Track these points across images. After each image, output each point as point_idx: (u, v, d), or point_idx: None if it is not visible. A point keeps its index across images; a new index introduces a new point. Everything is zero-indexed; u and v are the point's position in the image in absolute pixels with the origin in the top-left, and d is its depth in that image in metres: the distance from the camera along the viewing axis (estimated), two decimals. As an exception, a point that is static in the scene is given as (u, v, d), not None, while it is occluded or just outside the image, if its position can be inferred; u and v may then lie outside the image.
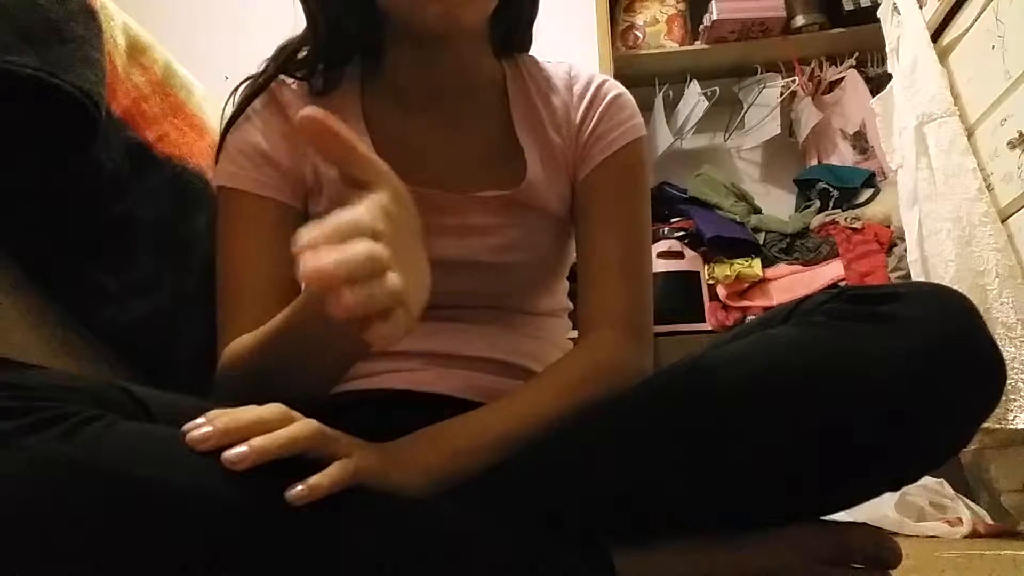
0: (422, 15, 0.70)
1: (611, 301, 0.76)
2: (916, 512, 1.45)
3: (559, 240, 0.83)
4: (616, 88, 0.84)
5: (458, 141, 0.80)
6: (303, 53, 0.80)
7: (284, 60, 0.80)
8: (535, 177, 0.79)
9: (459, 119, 0.81)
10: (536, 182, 0.79)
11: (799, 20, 2.25)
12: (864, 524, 0.63)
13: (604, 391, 0.67)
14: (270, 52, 0.81)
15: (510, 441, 0.64)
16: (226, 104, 0.81)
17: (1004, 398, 1.32)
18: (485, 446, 0.63)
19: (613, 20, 2.30)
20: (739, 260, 2.05)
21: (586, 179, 0.81)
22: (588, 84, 0.84)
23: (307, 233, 0.42)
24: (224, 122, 0.80)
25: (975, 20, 1.45)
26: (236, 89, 0.81)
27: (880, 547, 0.61)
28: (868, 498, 0.62)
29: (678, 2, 2.37)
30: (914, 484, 1.11)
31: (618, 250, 0.77)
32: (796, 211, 2.28)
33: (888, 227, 1.99)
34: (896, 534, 1.33)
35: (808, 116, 2.31)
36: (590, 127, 0.81)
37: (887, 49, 1.78)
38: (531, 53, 0.89)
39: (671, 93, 2.39)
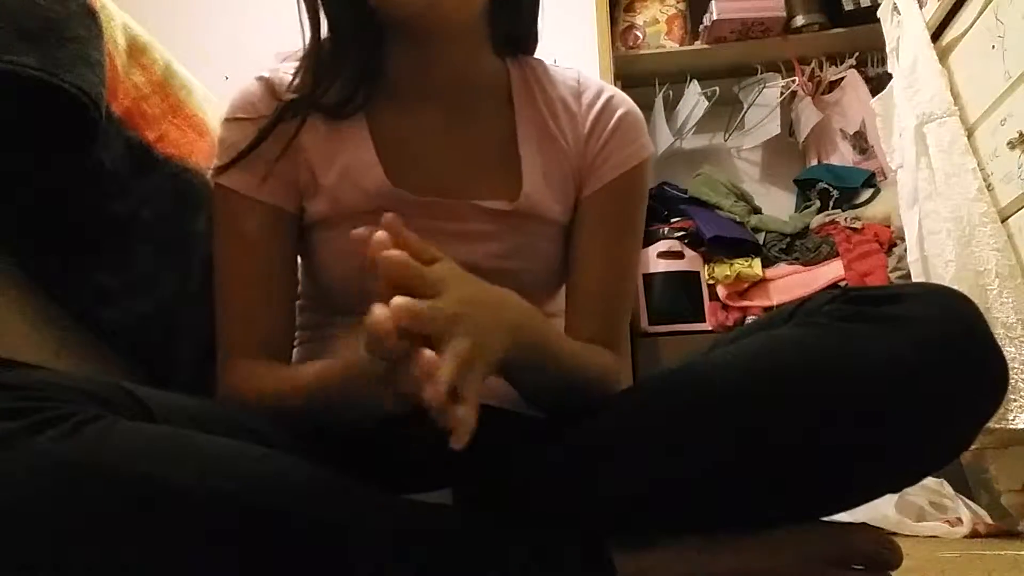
0: (405, 6, 0.70)
1: (589, 327, 0.77)
2: (916, 512, 1.45)
3: (561, 246, 0.82)
4: (625, 104, 0.83)
5: (458, 146, 0.79)
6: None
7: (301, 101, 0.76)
8: (533, 189, 0.78)
9: (459, 122, 0.80)
10: (534, 193, 0.78)
11: (799, 20, 2.24)
12: (864, 524, 0.63)
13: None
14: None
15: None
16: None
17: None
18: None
19: (613, 20, 2.30)
20: (739, 260, 2.05)
21: (589, 198, 0.80)
22: (597, 96, 0.83)
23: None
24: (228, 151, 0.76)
25: (975, 20, 1.45)
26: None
27: (880, 548, 0.61)
28: (871, 499, 0.62)
29: (678, 2, 2.37)
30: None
31: (602, 279, 0.79)
32: (796, 211, 2.28)
33: (888, 227, 1.99)
34: (896, 534, 1.33)
35: (808, 116, 2.31)
36: (599, 145, 0.80)
37: (887, 49, 1.77)
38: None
39: (671, 93, 2.39)
